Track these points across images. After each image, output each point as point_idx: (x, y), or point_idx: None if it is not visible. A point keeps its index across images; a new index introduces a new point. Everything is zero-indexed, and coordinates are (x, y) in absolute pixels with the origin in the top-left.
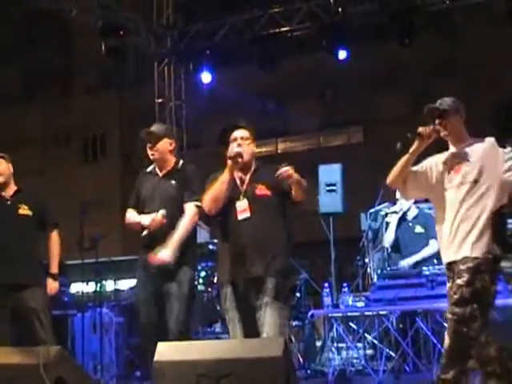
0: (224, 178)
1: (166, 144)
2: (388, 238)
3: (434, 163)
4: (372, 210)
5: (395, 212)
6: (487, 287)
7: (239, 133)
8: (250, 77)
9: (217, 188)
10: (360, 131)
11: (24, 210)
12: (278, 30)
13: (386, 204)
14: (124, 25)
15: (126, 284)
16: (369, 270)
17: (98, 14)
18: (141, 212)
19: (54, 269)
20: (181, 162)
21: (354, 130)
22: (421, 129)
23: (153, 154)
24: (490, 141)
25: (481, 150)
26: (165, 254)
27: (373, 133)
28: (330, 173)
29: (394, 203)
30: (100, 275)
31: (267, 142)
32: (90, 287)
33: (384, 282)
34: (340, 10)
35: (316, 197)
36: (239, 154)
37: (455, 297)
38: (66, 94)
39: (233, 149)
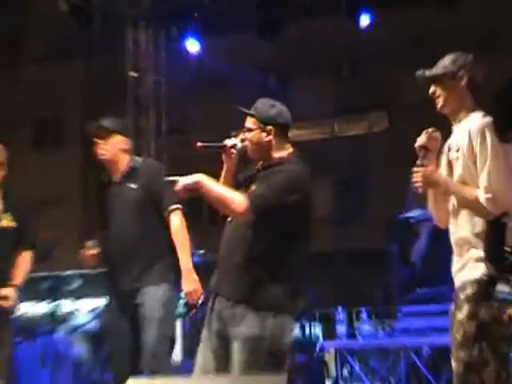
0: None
1: (117, 142)
2: (418, 251)
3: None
4: (399, 217)
5: (428, 219)
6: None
7: (245, 123)
8: (247, 46)
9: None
10: (384, 117)
11: (8, 222)
12: None
13: (416, 209)
14: None
15: (87, 304)
16: (393, 291)
17: None
18: (104, 223)
19: (18, 281)
20: (137, 158)
21: (377, 116)
22: (418, 141)
23: (102, 154)
24: (478, 124)
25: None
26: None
27: (400, 119)
28: (347, 168)
29: (427, 208)
30: (54, 293)
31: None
32: (40, 308)
33: (413, 307)
34: None
35: (329, 199)
36: (224, 146)
37: (457, 336)
38: (14, 65)
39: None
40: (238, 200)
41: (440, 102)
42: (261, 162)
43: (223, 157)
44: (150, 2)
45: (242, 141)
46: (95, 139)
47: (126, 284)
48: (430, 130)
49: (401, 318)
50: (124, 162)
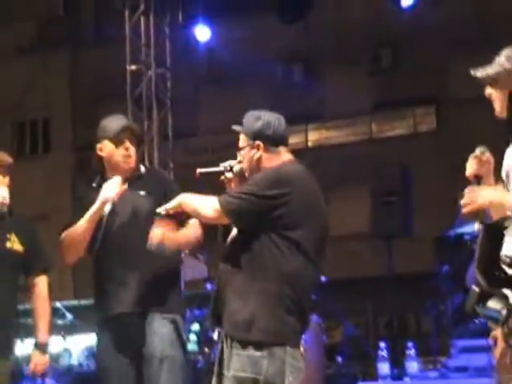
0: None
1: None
2: (474, 274)
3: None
4: (449, 233)
5: None
6: None
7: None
8: (266, 32)
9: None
10: (431, 114)
11: (14, 244)
12: None
13: (470, 224)
14: None
15: (79, 342)
16: (446, 322)
17: None
18: (103, 242)
19: (44, 335)
20: (142, 167)
21: (423, 113)
22: (468, 171)
23: (129, 162)
24: None
25: None
26: None
27: (450, 116)
28: (389, 177)
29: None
30: None
31: (292, 129)
32: (26, 346)
33: (469, 341)
34: None
35: (367, 212)
36: (223, 171)
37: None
38: None
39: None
40: (210, 203)
41: (497, 107)
42: None
43: (224, 182)
44: None
45: (239, 162)
46: (127, 144)
47: (126, 307)
48: (478, 152)
49: (455, 355)
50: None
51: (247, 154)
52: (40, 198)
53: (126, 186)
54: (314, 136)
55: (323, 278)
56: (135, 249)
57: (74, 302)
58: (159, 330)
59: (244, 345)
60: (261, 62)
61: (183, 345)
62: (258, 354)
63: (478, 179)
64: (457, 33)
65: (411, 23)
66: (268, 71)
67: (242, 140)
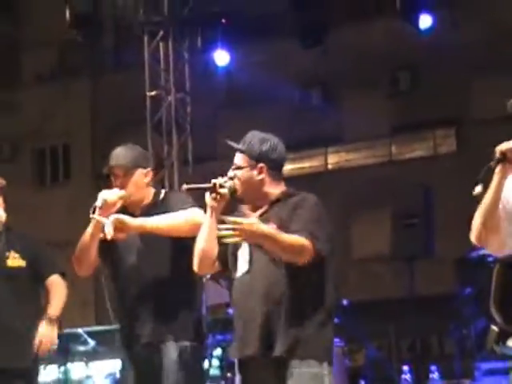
0: (205, 224)
1: (139, 177)
2: (499, 296)
3: None
4: (473, 255)
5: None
6: None
7: (234, 160)
8: (287, 56)
9: (199, 240)
10: (451, 136)
11: (15, 261)
12: None
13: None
14: None
15: (102, 368)
16: (469, 345)
17: None
18: (114, 275)
19: (55, 310)
20: (162, 192)
21: (443, 135)
22: (505, 145)
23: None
24: None
25: None
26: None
27: (471, 138)
28: (409, 199)
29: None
30: (64, 355)
31: (312, 152)
32: (48, 373)
33: (493, 363)
34: None
35: (388, 235)
36: (214, 188)
37: None
38: (11, 85)
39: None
40: (305, 243)
41: None
42: (246, 206)
43: (208, 200)
44: (169, 8)
45: (231, 179)
46: (112, 179)
47: (143, 338)
48: None
49: (479, 377)
50: (149, 195)
51: (246, 174)
52: (61, 224)
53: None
54: (333, 159)
55: (345, 301)
56: (147, 279)
57: (97, 328)
58: (174, 358)
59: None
60: (279, 85)
61: (198, 371)
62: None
63: (504, 158)
64: (476, 54)
65: (430, 45)
66: (286, 95)
67: (242, 159)
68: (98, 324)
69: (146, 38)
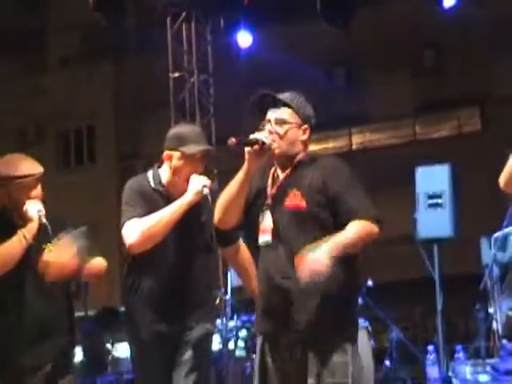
0: (238, 176)
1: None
2: None
3: None
4: (498, 234)
5: None
6: None
7: (272, 114)
8: (310, 37)
9: (228, 191)
10: (476, 115)
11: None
12: None
13: None
14: None
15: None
16: (494, 325)
17: None
18: (152, 256)
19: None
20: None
21: (468, 114)
22: None
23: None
24: None
25: None
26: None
27: (496, 117)
28: (434, 178)
29: None
30: (91, 336)
31: (337, 133)
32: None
33: None
34: None
35: (412, 215)
36: (257, 142)
37: None
38: (36, 68)
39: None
40: (371, 228)
41: None
42: (273, 168)
43: (248, 156)
44: None
45: (270, 133)
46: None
47: (171, 324)
48: None
49: (505, 357)
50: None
51: (292, 131)
52: (87, 207)
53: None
54: (358, 139)
55: (370, 282)
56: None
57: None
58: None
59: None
60: (302, 67)
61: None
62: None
63: None
64: (500, 32)
65: (454, 24)
66: (310, 76)
67: (290, 115)
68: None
69: (168, 20)
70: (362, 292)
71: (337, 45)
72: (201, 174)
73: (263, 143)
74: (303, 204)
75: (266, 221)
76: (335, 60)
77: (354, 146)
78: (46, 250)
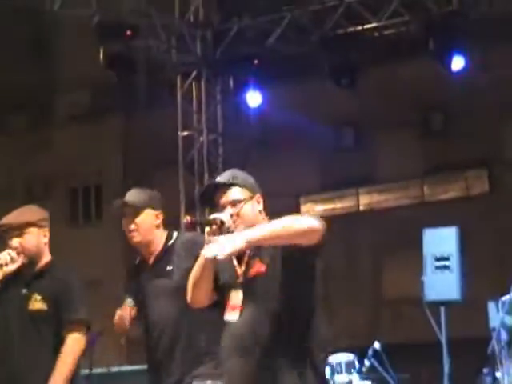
0: (200, 259)
1: (149, 217)
2: None
3: None
4: (506, 298)
5: None
6: None
7: (225, 198)
8: (319, 96)
9: (194, 273)
10: (484, 177)
11: (35, 303)
12: (360, 28)
13: None
14: (131, 22)
15: None
16: None
17: (93, 6)
18: (144, 323)
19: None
20: (174, 234)
21: (476, 176)
22: None
23: (132, 236)
24: None
25: None
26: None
27: (504, 179)
28: (442, 241)
29: None
30: None
31: (344, 193)
32: None
33: None
34: None
35: (419, 277)
36: (215, 221)
37: None
38: (45, 125)
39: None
40: (309, 218)
41: None
42: None
43: (208, 234)
44: (203, 49)
45: (231, 216)
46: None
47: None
48: None
49: None
50: (160, 239)
51: (247, 207)
52: (93, 264)
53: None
54: (365, 200)
55: (377, 345)
56: (166, 324)
57: (134, 367)
58: None
59: None
60: (311, 126)
61: None
62: None
63: None
64: (507, 95)
65: (462, 86)
66: (319, 136)
67: (239, 192)
68: (131, 363)
69: (178, 79)
70: (368, 354)
71: (345, 105)
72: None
73: (222, 223)
74: (263, 269)
75: (236, 298)
76: (344, 120)
77: (361, 207)
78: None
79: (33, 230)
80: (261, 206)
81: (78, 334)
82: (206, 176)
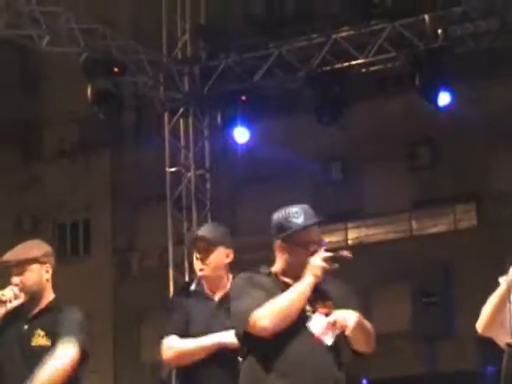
0: (304, 289)
1: (221, 256)
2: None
3: None
4: None
5: None
6: None
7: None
8: (305, 132)
9: (288, 303)
10: (472, 211)
11: (39, 339)
12: (346, 64)
13: None
14: (119, 59)
15: None
16: None
17: (81, 44)
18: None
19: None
20: (230, 277)
21: (463, 210)
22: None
23: (202, 269)
24: None
25: None
26: None
27: (491, 212)
28: (429, 276)
29: None
30: None
31: (332, 227)
32: None
33: None
34: (440, 31)
35: (409, 311)
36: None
37: None
38: (33, 160)
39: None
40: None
41: None
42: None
43: (323, 272)
44: (190, 85)
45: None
46: (194, 252)
47: None
48: None
49: None
50: (226, 280)
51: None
52: (81, 299)
53: None
54: (353, 234)
55: (365, 381)
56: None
57: None
58: None
59: None
60: (299, 161)
61: None
62: None
63: None
64: (495, 129)
65: (449, 121)
66: (306, 171)
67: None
68: None
69: (166, 115)
70: None
71: (332, 140)
72: None
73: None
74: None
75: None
76: (331, 154)
77: (350, 241)
78: None
79: (34, 266)
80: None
81: (71, 346)
82: (194, 212)
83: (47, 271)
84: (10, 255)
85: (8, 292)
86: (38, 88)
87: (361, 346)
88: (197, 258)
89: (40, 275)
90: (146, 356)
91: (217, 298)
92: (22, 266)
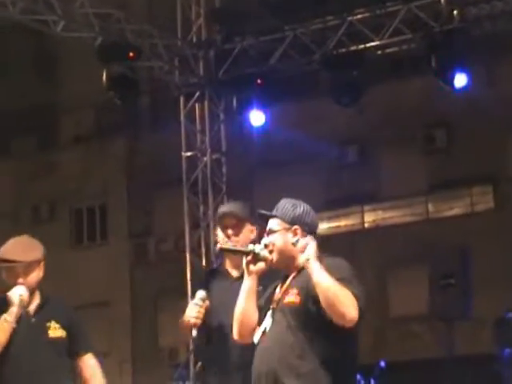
0: (243, 285)
1: (248, 232)
2: None
3: None
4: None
5: None
6: None
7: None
8: (321, 115)
9: (239, 304)
10: (489, 193)
11: (56, 331)
12: (362, 47)
13: None
14: (134, 43)
15: None
16: None
17: (96, 28)
18: (207, 325)
19: None
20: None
21: (480, 192)
22: None
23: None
24: None
25: None
26: None
27: (509, 195)
28: (447, 258)
29: None
30: None
31: (349, 211)
32: None
33: None
34: (456, 13)
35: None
36: (249, 253)
37: None
38: (49, 146)
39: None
40: (349, 297)
41: None
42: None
43: (245, 266)
44: (206, 69)
45: (266, 246)
46: (224, 228)
47: None
48: None
49: None
50: None
51: (282, 236)
52: (98, 285)
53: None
54: (370, 217)
55: (382, 362)
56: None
57: None
58: None
59: None
60: (315, 144)
61: None
62: None
63: None
64: (510, 110)
65: (465, 103)
66: (323, 154)
67: (276, 223)
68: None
69: (181, 99)
70: (374, 373)
71: (350, 122)
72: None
73: (254, 254)
74: (297, 300)
75: (265, 321)
76: (348, 137)
77: (366, 224)
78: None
79: (38, 266)
80: (296, 238)
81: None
82: (210, 196)
83: (42, 268)
84: (14, 254)
85: (24, 293)
86: (54, 73)
87: (329, 312)
88: (225, 234)
89: (40, 273)
90: (163, 340)
91: (236, 273)
92: (29, 267)
